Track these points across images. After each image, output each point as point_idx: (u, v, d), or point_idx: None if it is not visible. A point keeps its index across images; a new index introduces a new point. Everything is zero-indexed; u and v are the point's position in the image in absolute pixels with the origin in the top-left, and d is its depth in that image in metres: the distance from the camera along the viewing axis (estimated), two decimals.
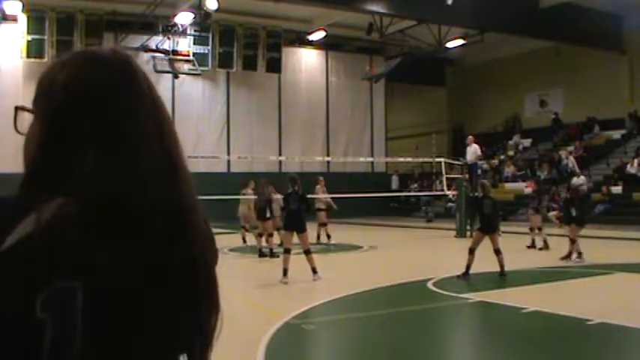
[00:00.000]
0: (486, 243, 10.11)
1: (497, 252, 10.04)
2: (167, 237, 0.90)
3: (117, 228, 0.85)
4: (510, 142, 30.16)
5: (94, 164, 0.88)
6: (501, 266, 10.04)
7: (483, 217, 10.25)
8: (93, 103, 0.91)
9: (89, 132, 0.90)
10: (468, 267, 9.99)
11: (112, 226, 0.85)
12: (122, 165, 0.89)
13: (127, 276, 0.84)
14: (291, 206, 10.15)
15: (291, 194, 10.20)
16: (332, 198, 17.05)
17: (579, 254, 11.94)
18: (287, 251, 10.07)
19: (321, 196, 16.58)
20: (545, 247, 14.07)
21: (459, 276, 9.98)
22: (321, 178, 17.05)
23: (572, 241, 12.01)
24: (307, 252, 10.12)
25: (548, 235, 14.54)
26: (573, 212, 12.13)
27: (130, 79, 0.96)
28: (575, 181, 23.01)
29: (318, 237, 16.39)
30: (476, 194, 10.26)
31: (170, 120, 0.99)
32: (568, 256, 12.01)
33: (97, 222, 0.84)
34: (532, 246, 14.50)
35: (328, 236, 16.49)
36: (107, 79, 0.94)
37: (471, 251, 10.02)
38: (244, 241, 15.57)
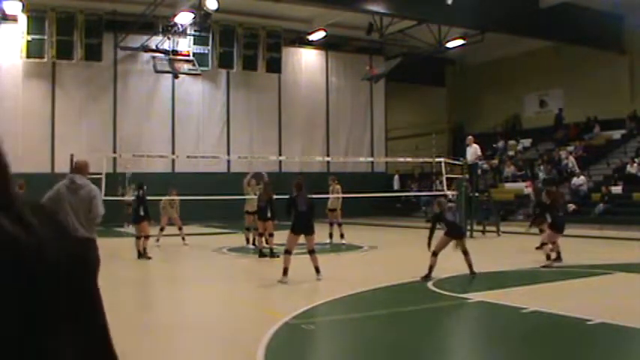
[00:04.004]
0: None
1: (465, 253, 10.18)
2: None
3: None
4: (500, 144, 30.01)
5: None
6: (469, 265, 10.14)
7: (447, 224, 10.31)
8: None
9: None
10: (431, 268, 9.96)
11: None
12: None
13: None
14: (300, 208, 9.93)
15: (300, 196, 10.00)
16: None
17: (548, 257, 11.69)
18: (288, 252, 10.00)
19: (332, 196, 16.70)
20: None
21: (422, 277, 9.91)
22: (331, 177, 17.32)
23: (547, 244, 11.91)
24: (312, 252, 10.07)
25: None
26: (548, 217, 12.09)
27: None
28: (575, 180, 23.05)
29: (331, 236, 16.39)
30: (437, 211, 10.40)
31: None
32: (557, 258, 11.87)
33: None
34: (540, 247, 14.31)
35: (342, 235, 16.39)
36: None
37: (434, 254, 10.04)
38: (247, 241, 15.48)
